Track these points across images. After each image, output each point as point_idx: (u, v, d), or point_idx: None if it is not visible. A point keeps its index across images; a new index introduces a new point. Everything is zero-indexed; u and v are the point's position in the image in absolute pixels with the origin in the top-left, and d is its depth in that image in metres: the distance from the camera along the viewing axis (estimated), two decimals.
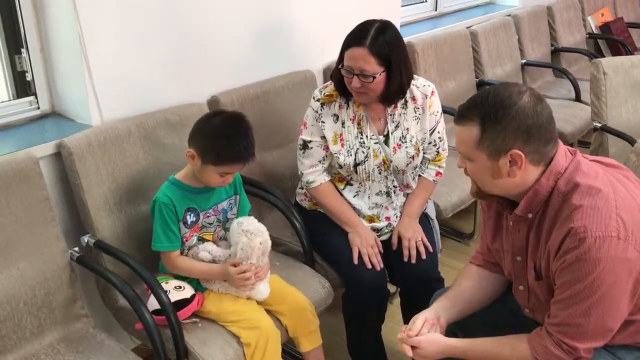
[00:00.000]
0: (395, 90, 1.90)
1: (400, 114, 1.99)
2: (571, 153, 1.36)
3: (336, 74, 1.93)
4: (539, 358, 1.33)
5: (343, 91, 1.95)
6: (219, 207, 1.83)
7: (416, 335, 1.45)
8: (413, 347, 1.45)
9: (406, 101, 1.99)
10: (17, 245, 1.65)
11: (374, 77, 1.82)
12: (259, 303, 1.78)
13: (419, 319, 1.49)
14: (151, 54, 2.05)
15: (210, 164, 1.68)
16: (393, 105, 1.98)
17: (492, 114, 1.29)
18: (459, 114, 1.35)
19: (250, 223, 1.74)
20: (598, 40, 4.42)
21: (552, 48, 4.01)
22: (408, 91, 1.98)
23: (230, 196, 1.87)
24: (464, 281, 1.60)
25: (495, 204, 1.48)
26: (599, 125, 2.62)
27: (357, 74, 1.83)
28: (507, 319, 1.55)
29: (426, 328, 1.47)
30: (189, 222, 1.75)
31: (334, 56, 2.01)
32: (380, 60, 1.82)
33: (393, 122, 1.99)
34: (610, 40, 4.36)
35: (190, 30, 2.14)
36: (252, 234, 1.71)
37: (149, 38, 2.03)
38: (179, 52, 2.13)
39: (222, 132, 1.68)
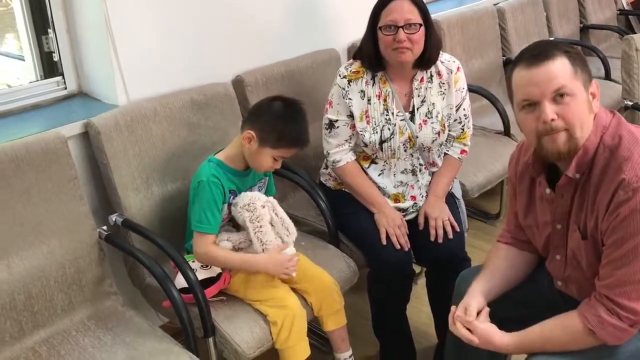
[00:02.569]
0: (433, 49, 1.91)
1: (426, 88, 1.97)
2: (610, 112, 1.34)
3: (368, 42, 1.92)
4: (594, 328, 1.28)
5: (372, 64, 1.94)
6: (254, 190, 1.84)
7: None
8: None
9: (431, 76, 1.97)
10: (47, 224, 1.67)
11: (420, 26, 1.84)
12: (284, 281, 1.79)
13: (473, 305, 1.43)
14: (176, 34, 2.05)
15: (269, 146, 1.70)
16: (420, 79, 1.96)
17: (567, 47, 1.28)
18: (539, 54, 1.27)
19: (242, 198, 1.73)
20: (629, 16, 4.30)
21: (581, 25, 3.91)
22: (433, 66, 1.96)
23: (261, 179, 1.88)
24: (498, 261, 1.57)
25: (530, 171, 1.43)
26: (630, 103, 2.56)
27: (402, 26, 1.82)
28: (536, 299, 1.53)
29: (483, 316, 1.43)
30: (230, 204, 1.76)
31: (359, 35, 1.99)
32: (420, 13, 1.86)
33: (419, 96, 1.97)
34: None
35: (214, 10, 2.13)
36: (249, 204, 1.71)
37: (174, 18, 2.03)
38: (204, 32, 2.13)
39: (285, 115, 1.72)
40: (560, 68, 1.25)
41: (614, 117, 1.32)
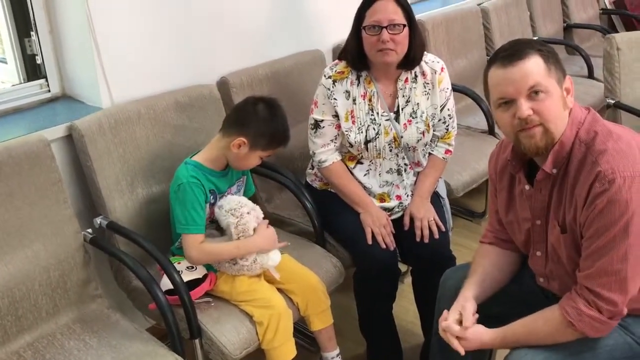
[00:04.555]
0: (417, 49, 1.92)
1: (410, 89, 1.98)
2: (585, 108, 1.37)
3: (352, 42, 1.93)
4: (573, 321, 1.30)
5: (356, 64, 1.95)
6: (232, 190, 1.85)
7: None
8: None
9: (416, 76, 1.99)
10: (30, 227, 1.66)
11: (404, 26, 1.85)
12: (270, 281, 1.80)
13: (469, 309, 1.44)
14: (160, 36, 2.04)
15: (259, 149, 1.74)
16: (404, 79, 1.97)
17: (541, 45, 1.31)
18: (514, 54, 1.30)
19: (229, 202, 1.75)
20: (612, 15, 4.35)
21: (565, 24, 3.95)
22: (417, 66, 1.97)
23: (240, 178, 1.88)
24: (484, 263, 1.56)
25: (510, 167, 1.45)
26: (612, 101, 2.58)
27: (386, 27, 1.83)
28: (519, 297, 1.55)
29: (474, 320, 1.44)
30: (211, 204, 1.76)
31: (343, 36, 2.00)
32: (404, 13, 1.86)
33: (403, 96, 1.98)
34: (625, 15, 4.29)
35: (199, 11, 2.13)
36: (235, 209, 1.73)
37: (158, 19, 2.02)
38: (188, 33, 2.12)
39: (272, 118, 1.76)
40: (533, 66, 1.29)
41: (589, 113, 1.36)
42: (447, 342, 1.44)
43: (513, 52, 1.30)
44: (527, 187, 1.42)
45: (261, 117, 1.75)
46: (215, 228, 1.81)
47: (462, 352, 1.41)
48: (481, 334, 1.41)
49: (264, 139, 1.73)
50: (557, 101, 1.31)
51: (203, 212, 1.72)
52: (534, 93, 1.29)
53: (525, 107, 1.29)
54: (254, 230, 1.75)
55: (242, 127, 1.73)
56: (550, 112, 1.30)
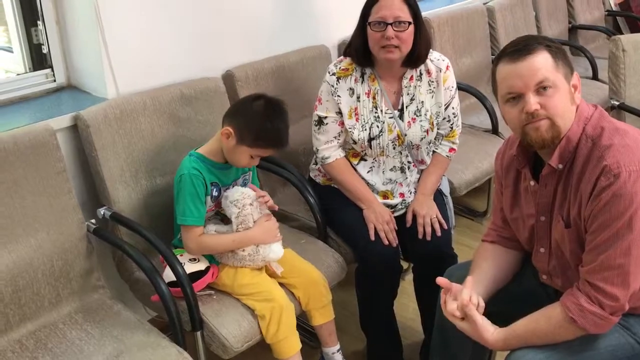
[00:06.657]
0: (422, 47, 1.91)
1: (415, 87, 1.98)
2: (592, 105, 1.38)
3: (358, 38, 1.93)
4: (574, 317, 1.30)
5: (361, 60, 1.94)
6: (238, 182, 1.85)
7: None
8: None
9: (421, 74, 1.99)
10: (35, 216, 1.67)
11: (409, 24, 1.84)
12: (272, 275, 1.80)
13: (475, 297, 1.43)
14: (167, 28, 2.04)
15: (245, 144, 1.69)
16: (409, 77, 1.97)
17: (549, 41, 1.32)
18: (522, 49, 1.31)
19: (234, 192, 1.75)
20: (617, 17, 4.35)
21: (570, 25, 3.94)
22: (423, 65, 1.97)
23: (245, 172, 1.88)
24: (484, 262, 1.56)
25: (515, 163, 1.46)
26: (617, 103, 2.58)
27: (391, 23, 1.82)
28: (521, 294, 1.55)
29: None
30: (213, 197, 1.77)
31: (349, 32, 2.00)
32: (410, 11, 1.86)
33: (408, 94, 1.98)
34: (630, 17, 4.28)
35: (206, 4, 2.13)
36: (238, 200, 1.73)
37: (165, 11, 2.02)
38: (195, 25, 2.13)
39: (265, 116, 1.70)
40: (542, 61, 1.30)
41: (597, 110, 1.37)
42: (449, 314, 1.42)
43: (522, 47, 1.31)
44: (532, 182, 1.43)
45: (254, 111, 1.71)
46: (221, 219, 1.82)
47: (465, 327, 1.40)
48: (486, 330, 1.40)
49: (251, 134, 1.68)
50: (564, 96, 1.32)
51: (202, 205, 1.72)
52: (542, 88, 1.30)
53: (533, 102, 1.30)
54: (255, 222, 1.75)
55: (232, 117, 1.72)
56: (557, 107, 1.31)
